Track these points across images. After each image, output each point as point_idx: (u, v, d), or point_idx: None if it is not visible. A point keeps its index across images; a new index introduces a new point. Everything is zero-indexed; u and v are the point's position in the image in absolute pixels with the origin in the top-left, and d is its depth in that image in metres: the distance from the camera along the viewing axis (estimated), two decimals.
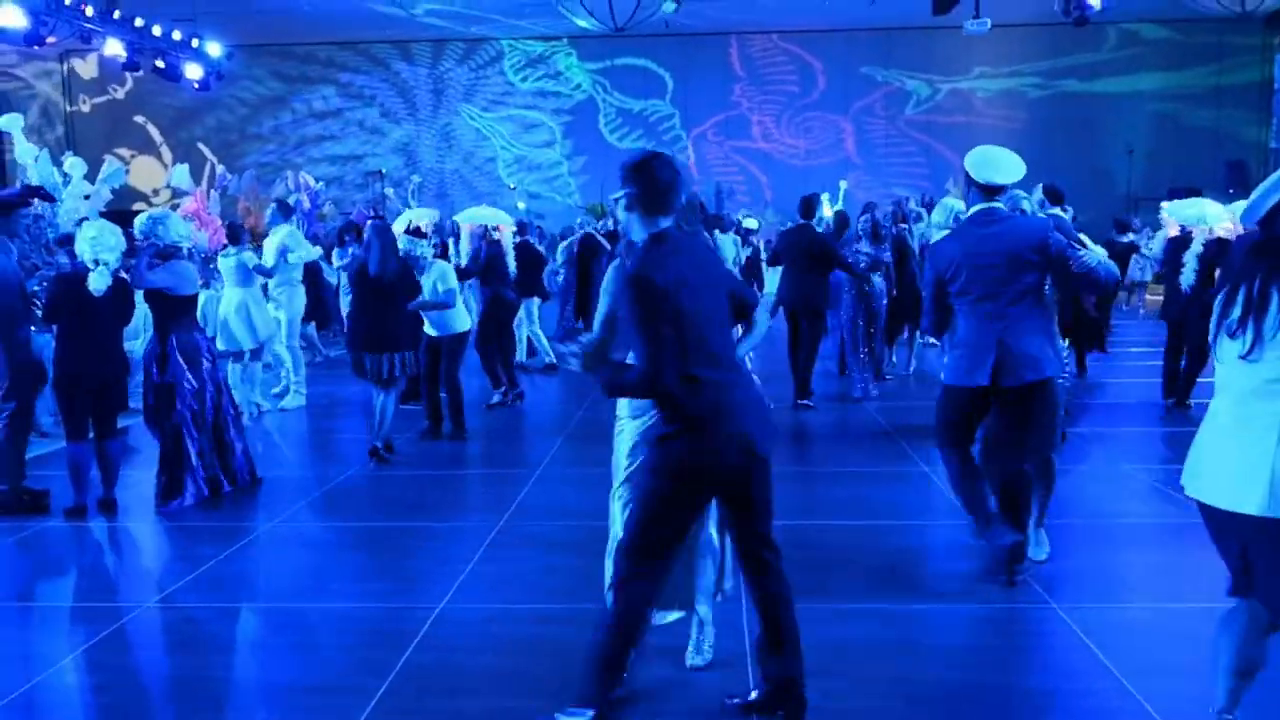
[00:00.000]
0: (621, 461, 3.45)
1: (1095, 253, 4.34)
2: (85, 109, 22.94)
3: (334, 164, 22.48)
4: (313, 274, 10.80)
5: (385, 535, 5.33)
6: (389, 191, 19.01)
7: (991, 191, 4.19)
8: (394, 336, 6.76)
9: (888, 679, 3.49)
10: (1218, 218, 7.61)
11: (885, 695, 3.38)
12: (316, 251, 10.11)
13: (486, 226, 9.37)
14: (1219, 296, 2.58)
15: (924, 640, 3.85)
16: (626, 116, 22.55)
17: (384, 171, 20.30)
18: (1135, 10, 17.93)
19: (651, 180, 2.93)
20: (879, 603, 4.19)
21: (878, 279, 8.90)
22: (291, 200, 12.47)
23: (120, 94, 22.60)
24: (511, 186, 21.60)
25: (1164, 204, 7.80)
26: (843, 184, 14.90)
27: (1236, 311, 2.49)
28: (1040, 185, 6.71)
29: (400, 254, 6.99)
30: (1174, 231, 8.16)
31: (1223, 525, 2.56)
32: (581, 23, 15.22)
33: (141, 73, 17.25)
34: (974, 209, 4.25)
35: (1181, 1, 15.21)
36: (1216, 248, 7.48)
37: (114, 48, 15.68)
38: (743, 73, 22.30)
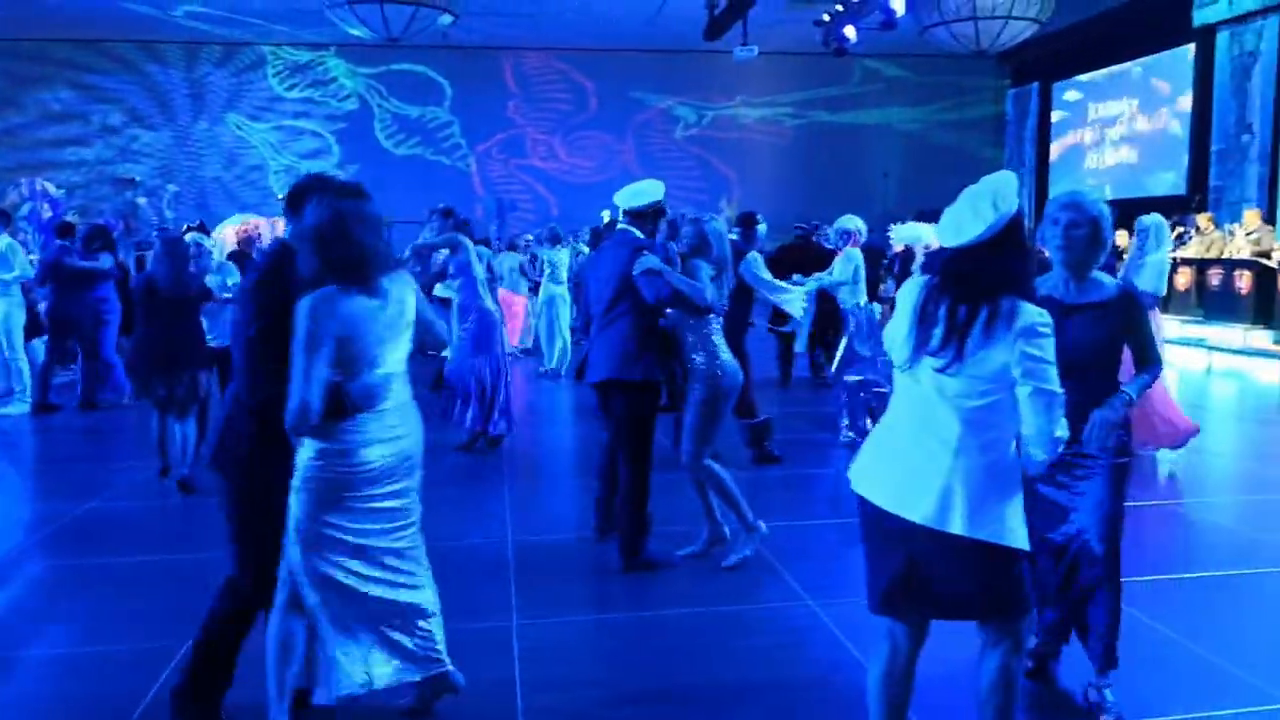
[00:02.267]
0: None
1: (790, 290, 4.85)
2: None
3: (78, 170, 20.69)
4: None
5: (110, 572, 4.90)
6: (141, 200, 17.72)
7: (629, 215, 4.73)
8: (189, 355, 6.22)
9: (653, 685, 3.52)
10: (930, 235, 8.26)
11: (650, 699, 3.40)
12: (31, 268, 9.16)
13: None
14: (913, 306, 2.53)
15: (684, 643, 3.91)
16: (404, 123, 22.05)
17: (137, 180, 18.91)
18: (886, 45, 19.24)
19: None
20: (641, 610, 4.23)
21: None
22: (26, 209, 11.37)
23: None
24: (280, 196, 20.63)
25: (891, 226, 8.48)
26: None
27: (940, 326, 2.44)
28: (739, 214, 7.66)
29: (190, 264, 6.44)
30: (900, 249, 8.76)
31: (887, 531, 2.51)
32: (354, 31, 14.78)
33: None
34: (616, 229, 4.90)
35: (926, 40, 16.43)
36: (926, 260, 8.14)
37: None
38: (517, 89, 22.32)
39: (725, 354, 4.68)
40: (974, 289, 2.41)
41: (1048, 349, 2.37)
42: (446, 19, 14.50)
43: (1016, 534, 2.43)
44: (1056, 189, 21.21)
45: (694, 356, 4.64)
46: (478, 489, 6.18)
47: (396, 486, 2.92)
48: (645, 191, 4.77)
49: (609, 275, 4.66)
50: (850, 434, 7.09)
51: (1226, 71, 15.94)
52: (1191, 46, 17.17)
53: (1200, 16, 15.98)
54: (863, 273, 7.81)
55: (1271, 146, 15.23)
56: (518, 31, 19.96)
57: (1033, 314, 2.38)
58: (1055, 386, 2.36)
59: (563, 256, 11.64)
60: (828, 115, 23.04)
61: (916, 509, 2.42)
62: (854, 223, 8.15)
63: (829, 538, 5.19)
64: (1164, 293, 7.37)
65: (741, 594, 4.43)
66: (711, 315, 4.64)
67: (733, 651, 3.83)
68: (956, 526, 2.37)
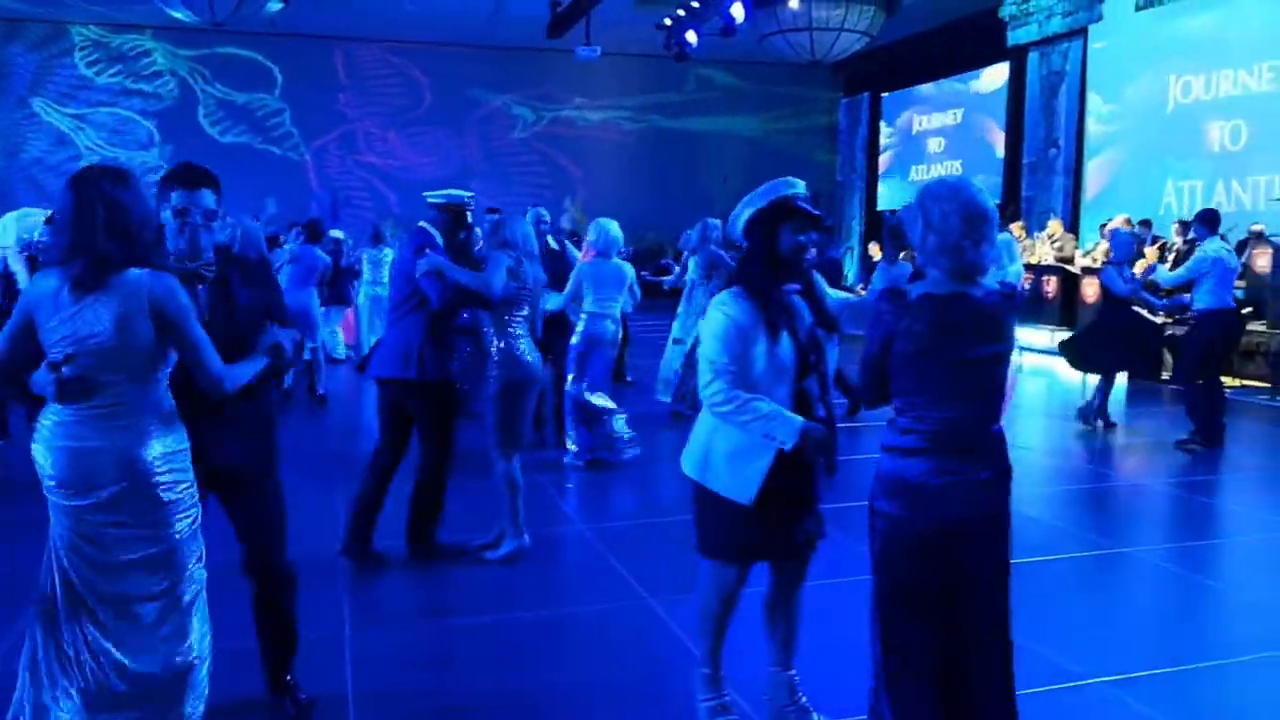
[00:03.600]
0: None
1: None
2: None
3: None
4: None
5: None
6: None
7: (431, 210, 4.85)
8: None
9: (490, 690, 3.47)
10: None
11: (487, 706, 3.35)
12: None
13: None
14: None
15: (531, 646, 3.87)
16: (230, 109, 21.03)
17: None
18: (726, 52, 19.64)
19: None
20: (487, 614, 4.17)
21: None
22: None
23: None
24: None
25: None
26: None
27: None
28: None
29: None
30: None
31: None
32: (175, 14, 14.01)
33: None
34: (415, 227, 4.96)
35: (765, 47, 16.88)
36: None
37: None
38: (348, 81, 21.67)
39: (524, 345, 4.77)
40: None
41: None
42: (275, 4, 13.92)
43: (721, 480, 2.89)
44: (885, 197, 22.20)
45: (490, 347, 4.75)
46: (305, 494, 5.96)
47: (75, 504, 2.53)
48: (448, 190, 4.96)
49: (397, 274, 4.88)
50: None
51: (1037, 89, 17.02)
52: (1006, 65, 18.28)
53: (1013, 37, 17.01)
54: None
55: (1074, 160, 16.37)
56: (349, 21, 19.36)
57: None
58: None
59: (386, 255, 11.33)
60: (666, 120, 23.36)
61: (688, 464, 3.02)
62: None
63: (666, 535, 5.24)
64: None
65: (578, 595, 4.43)
66: (514, 307, 4.72)
67: (571, 653, 3.81)
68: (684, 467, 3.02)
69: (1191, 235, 9.63)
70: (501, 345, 4.73)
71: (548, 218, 7.95)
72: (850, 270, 16.81)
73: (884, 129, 22.67)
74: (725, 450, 2.88)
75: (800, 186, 2.94)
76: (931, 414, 2.49)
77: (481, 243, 4.99)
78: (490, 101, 22.39)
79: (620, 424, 6.84)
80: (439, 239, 4.78)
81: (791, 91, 23.69)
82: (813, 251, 2.92)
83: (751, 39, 16.77)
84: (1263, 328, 10.71)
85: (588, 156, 23.03)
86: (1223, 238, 9.98)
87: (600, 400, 6.81)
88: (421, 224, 4.87)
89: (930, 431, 2.49)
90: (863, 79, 22.62)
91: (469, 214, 4.91)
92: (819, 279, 3.08)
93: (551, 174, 22.73)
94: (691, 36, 17.37)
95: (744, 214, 2.93)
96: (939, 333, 2.46)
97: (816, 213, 2.93)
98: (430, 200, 4.91)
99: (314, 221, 10.00)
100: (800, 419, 2.77)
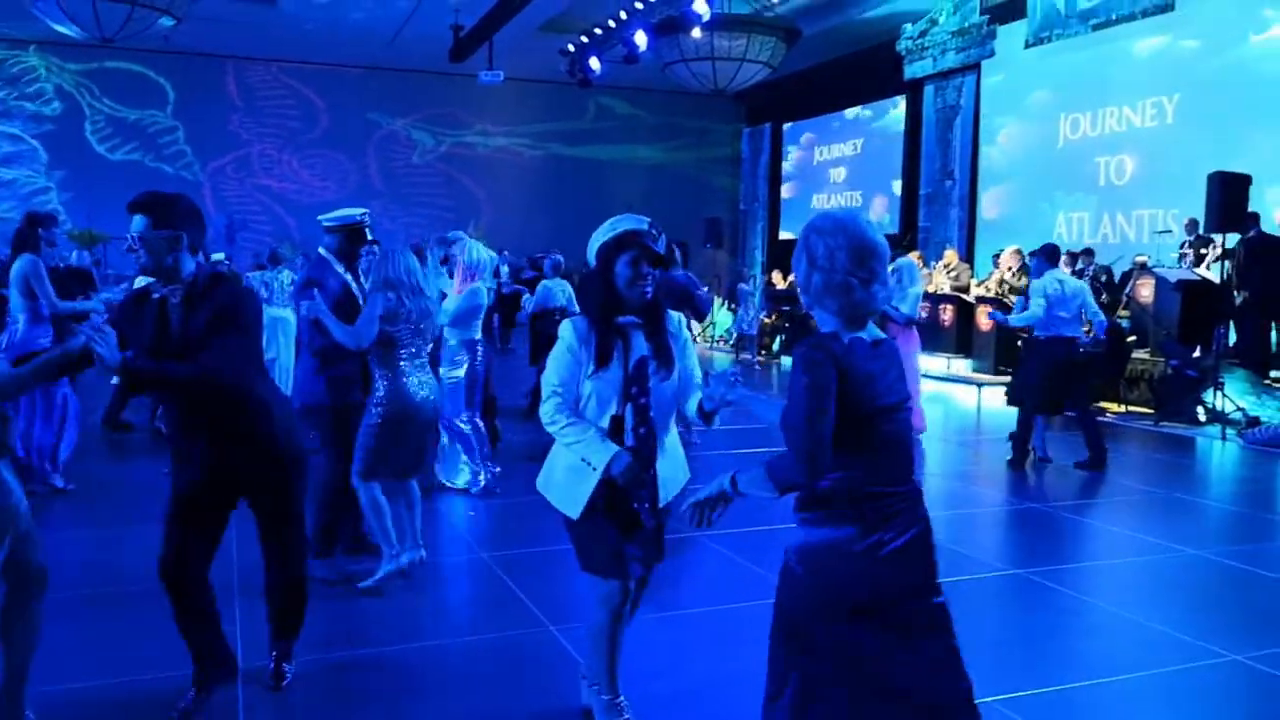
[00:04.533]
0: None
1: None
2: None
3: None
4: None
5: None
6: None
7: (326, 233, 4.90)
8: None
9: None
10: None
11: None
12: None
13: None
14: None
15: (428, 677, 3.75)
16: (119, 126, 20.31)
17: None
18: (629, 79, 19.80)
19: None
20: (378, 647, 4.03)
21: None
22: None
23: None
24: None
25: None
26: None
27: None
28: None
29: None
30: None
31: None
32: (61, 29, 13.50)
33: None
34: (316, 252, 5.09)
35: (668, 76, 17.06)
36: None
37: None
38: (241, 101, 21.19)
39: (413, 381, 4.67)
40: None
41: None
42: (167, 21, 13.51)
43: (555, 493, 3.05)
44: (787, 226, 22.59)
45: (377, 383, 4.66)
46: None
47: None
48: (342, 212, 4.93)
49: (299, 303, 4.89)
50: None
51: (933, 122, 17.57)
52: (903, 98, 18.83)
53: (909, 71, 17.54)
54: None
55: (969, 191, 16.91)
56: (241, 40, 18.93)
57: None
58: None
59: (285, 277, 11.00)
60: (566, 148, 23.42)
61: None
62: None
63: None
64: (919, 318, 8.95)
65: (479, 624, 4.32)
66: (395, 346, 4.63)
67: (473, 683, 3.71)
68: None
69: (1027, 267, 10.05)
70: (387, 380, 4.64)
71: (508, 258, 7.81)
72: (757, 295, 16.98)
73: (787, 157, 23.10)
74: (564, 466, 3.03)
75: (645, 224, 3.03)
76: (860, 473, 2.25)
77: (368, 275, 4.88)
78: (389, 125, 22.13)
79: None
80: (337, 265, 4.78)
81: (695, 119, 24.05)
82: (649, 288, 2.98)
83: (654, 67, 16.93)
84: (1146, 355, 11.17)
85: (491, 180, 22.92)
86: (1079, 272, 10.41)
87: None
88: (320, 250, 4.85)
89: (864, 492, 2.25)
90: (765, 109, 23.04)
91: (366, 230, 4.86)
92: (671, 318, 3.11)
93: (454, 197, 22.54)
94: (595, 63, 17.46)
95: (592, 244, 3.04)
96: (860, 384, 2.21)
97: (657, 250, 3.00)
98: (325, 225, 4.84)
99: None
100: (614, 447, 2.91)
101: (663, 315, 3.07)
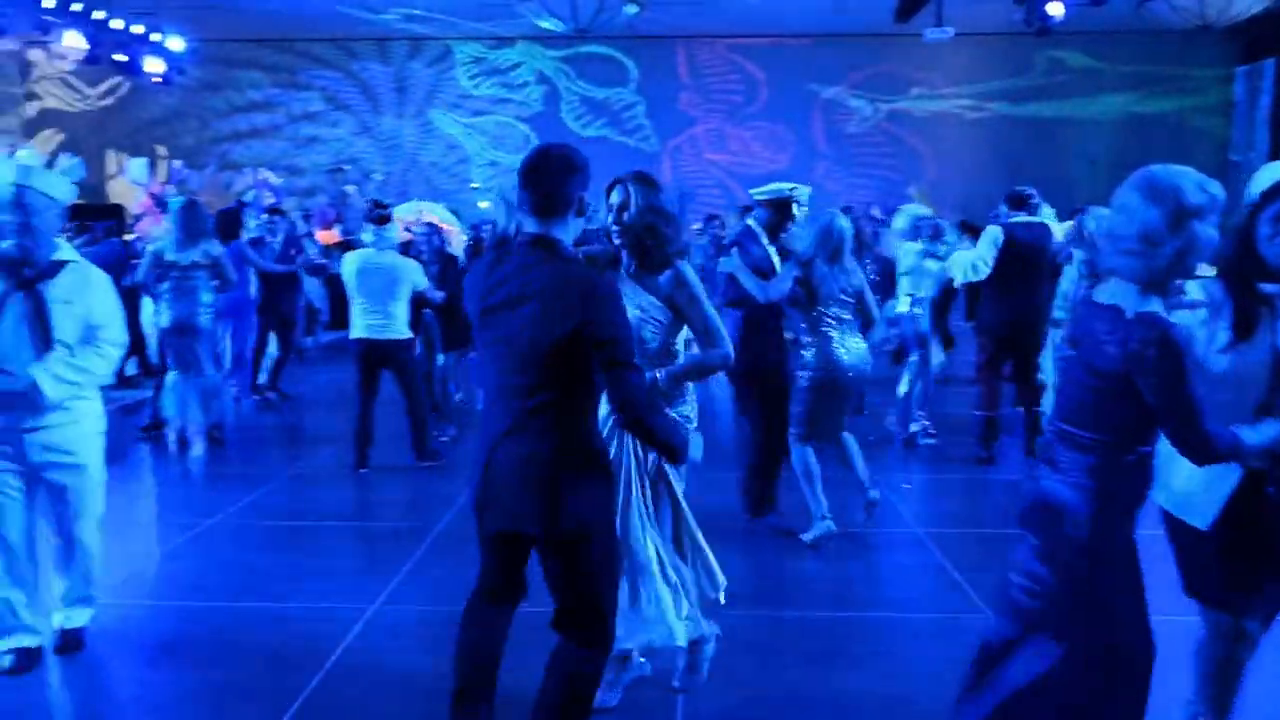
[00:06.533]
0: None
1: None
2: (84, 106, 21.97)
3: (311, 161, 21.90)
4: None
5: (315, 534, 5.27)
6: (350, 189, 18.85)
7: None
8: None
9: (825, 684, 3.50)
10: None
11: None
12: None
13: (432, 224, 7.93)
14: None
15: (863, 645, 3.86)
16: (590, 105, 22.61)
17: (345, 168, 20.09)
18: (1092, 25, 18.12)
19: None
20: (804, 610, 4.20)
21: None
22: (250, 196, 12.33)
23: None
24: (474, 185, 21.46)
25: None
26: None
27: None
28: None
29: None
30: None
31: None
32: (544, 24, 15.21)
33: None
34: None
35: (1142, 14, 15.37)
36: None
37: (73, 40, 15.43)
38: (689, 80, 22.43)
39: (838, 346, 4.87)
40: None
41: None
42: (632, 8, 14.72)
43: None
44: None
45: (806, 348, 4.98)
46: None
47: None
48: (773, 186, 5.11)
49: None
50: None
51: None
52: None
53: None
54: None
55: None
56: (693, 19, 19.96)
57: None
58: None
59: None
60: (1010, 107, 21.88)
61: None
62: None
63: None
64: None
65: (917, 602, 4.31)
66: (815, 308, 4.91)
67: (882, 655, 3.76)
68: None
69: None
70: (815, 348, 4.85)
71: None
72: None
73: None
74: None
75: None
76: None
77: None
78: (827, 92, 22.21)
79: None
80: (763, 237, 4.99)
81: (1170, 65, 21.39)
82: None
83: (1123, 8, 15.33)
84: None
85: (934, 142, 22.21)
86: None
87: None
88: (749, 221, 5.17)
89: None
90: (1264, 41, 19.96)
91: (795, 206, 5.00)
92: None
93: (897, 158, 22.18)
94: (1057, 9, 16.15)
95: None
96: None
97: None
98: (756, 198, 5.10)
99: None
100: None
101: None
